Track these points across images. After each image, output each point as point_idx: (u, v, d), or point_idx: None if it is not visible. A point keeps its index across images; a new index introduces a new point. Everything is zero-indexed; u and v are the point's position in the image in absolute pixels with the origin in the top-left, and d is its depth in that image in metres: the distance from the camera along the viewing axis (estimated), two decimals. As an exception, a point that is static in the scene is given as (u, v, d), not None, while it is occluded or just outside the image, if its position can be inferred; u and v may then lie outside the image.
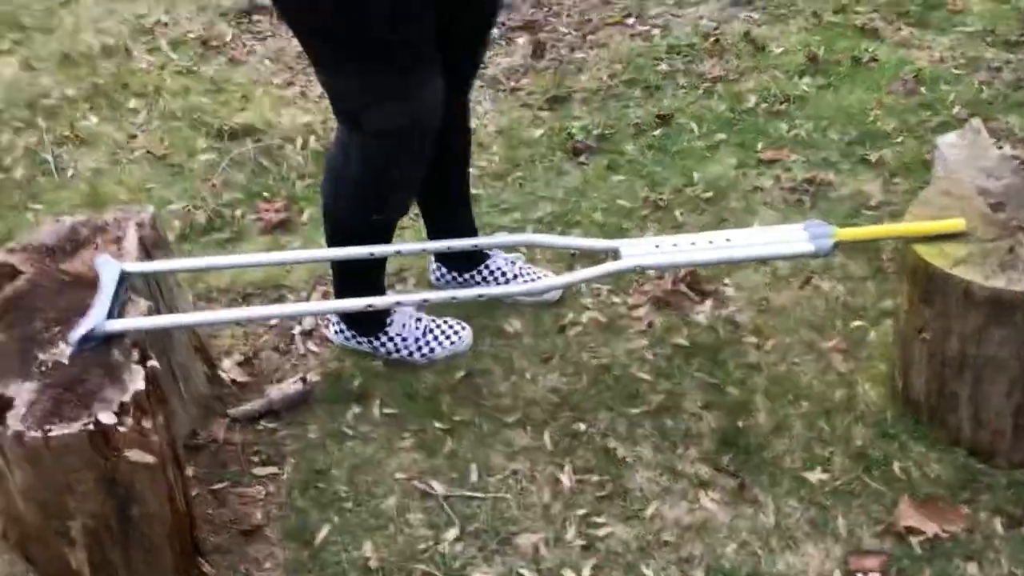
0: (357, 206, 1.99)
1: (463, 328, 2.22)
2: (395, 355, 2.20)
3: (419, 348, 2.19)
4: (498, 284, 2.34)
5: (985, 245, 1.80)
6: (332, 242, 2.08)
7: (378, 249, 1.95)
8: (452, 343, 2.20)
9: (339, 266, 2.14)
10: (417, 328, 2.19)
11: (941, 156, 2.08)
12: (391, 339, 2.19)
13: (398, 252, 2.00)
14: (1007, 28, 3.33)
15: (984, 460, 1.91)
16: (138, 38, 3.65)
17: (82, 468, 1.57)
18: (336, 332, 2.25)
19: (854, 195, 2.66)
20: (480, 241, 2.18)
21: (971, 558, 1.75)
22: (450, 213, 2.28)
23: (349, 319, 2.22)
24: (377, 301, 1.85)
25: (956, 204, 1.91)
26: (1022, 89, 3.01)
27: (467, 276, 2.35)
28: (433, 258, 2.41)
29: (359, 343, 2.23)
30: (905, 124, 2.91)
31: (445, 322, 2.22)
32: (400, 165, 1.91)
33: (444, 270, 2.39)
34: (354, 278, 2.10)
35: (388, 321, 2.19)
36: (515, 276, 2.35)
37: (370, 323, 2.19)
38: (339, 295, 2.15)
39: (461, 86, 2.09)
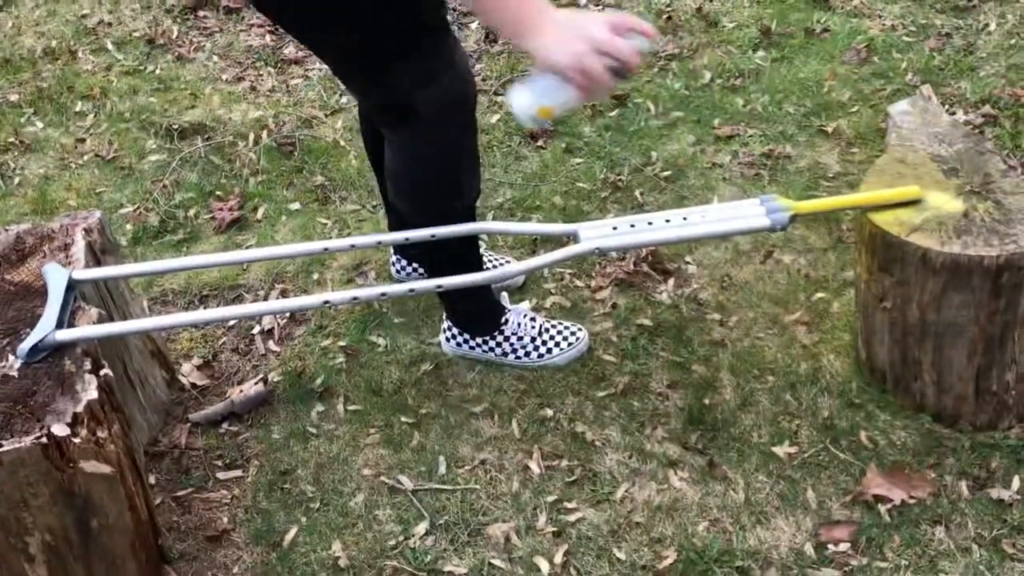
0: (441, 202, 1.90)
1: (580, 329, 2.15)
2: (510, 356, 2.13)
3: (536, 349, 2.11)
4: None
5: (940, 211, 1.80)
6: (437, 261, 2.00)
7: (333, 244, 1.91)
8: (570, 344, 2.12)
9: (432, 258, 2.05)
10: (532, 327, 2.12)
11: (894, 124, 2.08)
12: (507, 338, 2.12)
13: (352, 246, 1.96)
14: (956, -6, 3.34)
15: (948, 425, 1.92)
16: (81, 39, 3.57)
17: (37, 482, 1.53)
18: (447, 339, 2.17)
19: (812, 167, 2.66)
20: (439, 231, 2.15)
21: (938, 522, 1.76)
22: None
23: (461, 322, 2.13)
24: (334, 297, 1.82)
25: (910, 171, 1.91)
26: (972, 54, 3.03)
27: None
28: (392, 251, 2.38)
29: (472, 348, 2.14)
30: (859, 93, 2.92)
31: (561, 323, 2.16)
32: (468, 135, 1.86)
33: (404, 263, 2.36)
34: (451, 264, 1.99)
35: (503, 320, 2.12)
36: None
37: (485, 324, 2.12)
38: (443, 295, 2.08)
39: None
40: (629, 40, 1.46)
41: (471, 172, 1.93)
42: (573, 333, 2.15)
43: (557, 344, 2.13)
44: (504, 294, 2.24)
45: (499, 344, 2.13)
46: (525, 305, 2.23)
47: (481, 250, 2.33)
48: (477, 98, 1.87)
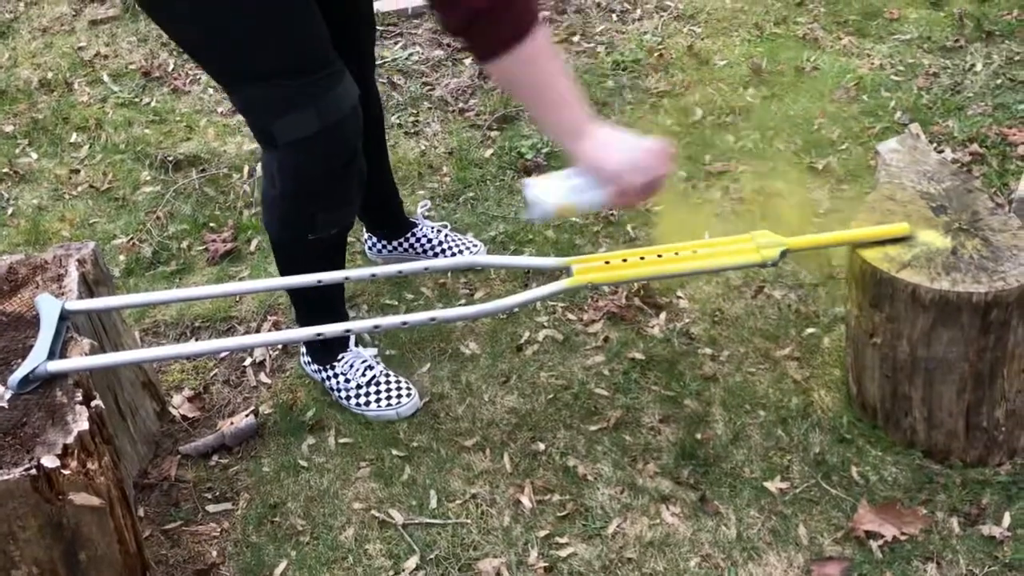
0: (291, 228, 1.94)
1: (409, 396, 2.12)
2: (334, 393, 2.16)
3: (356, 396, 2.12)
4: (424, 253, 2.48)
5: (929, 248, 1.82)
6: (283, 272, 2.04)
7: (326, 276, 1.92)
8: (390, 405, 2.11)
9: (294, 295, 2.11)
10: (364, 376, 2.13)
11: (883, 162, 2.10)
12: (336, 375, 2.15)
13: (346, 278, 1.97)
14: (942, 35, 3.40)
15: (939, 460, 1.93)
16: (77, 71, 3.59)
17: (25, 514, 1.52)
18: (302, 354, 2.23)
19: (802, 203, 2.69)
20: (432, 264, 2.15)
21: (930, 559, 1.76)
22: (373, 185, 2.19)
23: (309, 347, 2.19)
24: (327, 329, 1.82)
25: (900, 208, 1.93)
26: (960, 94, 3.07)
27: (396, 244, 2.48)
28: (365, 228, 2.52)
29: (315, 372, 2.20)
30: (849, 131, 2.96)
31: (397, 382, 2.14)
32: (320, 177, 1.84)
33: (374, 239, 2.50)
34: (310, 306, 2.08)
35: (338, 356, 2.15)
36: (440, 243, 2.48)
37: (321, 352, 2.16)
38: (301, 324, 2.12)
39: (367, 62, 2.17)
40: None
41: (330, 208, 1.92)
42: (399, 398, 2.12)
43: (378, 401, 2.11)
44: (352, 337, 2.20)
45: (329, 378, 2.15)
46: (370, 351, 2.20)
47: (445, 232, 2.51)
48: (358, 136, 1.84)
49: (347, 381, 2.13)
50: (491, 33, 1.49)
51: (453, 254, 2.49)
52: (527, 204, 1.64)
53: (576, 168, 1.62)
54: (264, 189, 1.94)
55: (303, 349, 2.22)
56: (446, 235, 2.50)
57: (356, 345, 2.19)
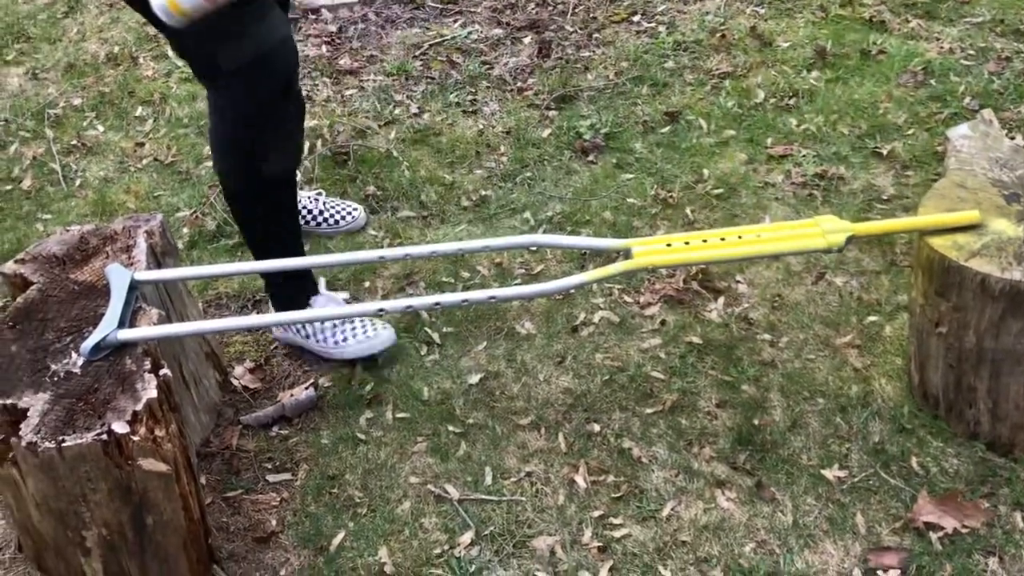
0: (243, 163, 2.01)
1: (385, 328, 2.20)
2: (310, 339, 2.21)
3: (333, 336, 2.19)
4: (308, 224, 2.54)
5: (1001, 236, 1.78)
6: (233, 210, 2.12)
7: (388, 253, 1.94)
8: (368, 337, 2.18)
9: (253, 241, 2.15)
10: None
11: (953, 148, 2.06)
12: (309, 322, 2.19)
13: (381, 258, 1.97)
14: (1016, 18, 3.30)
15: (1003, 454, 1.89)
16: (143, 46, 3.65)
17: (96, 478, 1.56)
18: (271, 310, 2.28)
19: (866, 189, 2.64)
20: (492, 242, 2.16)
21: (992, 553, 1.73)
22: None
23: (277, 299, 2.22)
24: (388, 305, 1.83)
25: (970, 196, 1.89)
26: (1033, 79, 2.99)
27: None
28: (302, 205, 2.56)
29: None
30: (915, 116, 2.89)
31: (372, 320, 2.22)
32: (264, 103, 1.95)
33: (305, 212, 2.58)
34: (266, 246, 2.12)
35: (310, 303, 2.19)
36: (321, 212, 2.55)
37: (295, 300, 2.18)
38: (257, 258, 2.16)
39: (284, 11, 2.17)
40: None
41: (278, 138, 2.02)
42: (376, 329, 2.19)
43: (355, 335, 2.18)
44: (322, 279, 2.31)
45: (304, 326, 2.20)
46: (342, 295, 2.29)
47: (323, 198, 2.57)
48: (292, 66, 1.99)
49: (321, 324, 2.19)
50: None
51: (336, 220, 2.58)
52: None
53: None
54: (212, 129, 2.02)
55: (271, 303, 2.25)
56: (324, 202, 2.59)
57: (327, 289, 2.27)
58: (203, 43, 1.88)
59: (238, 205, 2.10)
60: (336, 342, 2.18)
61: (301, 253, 2.18)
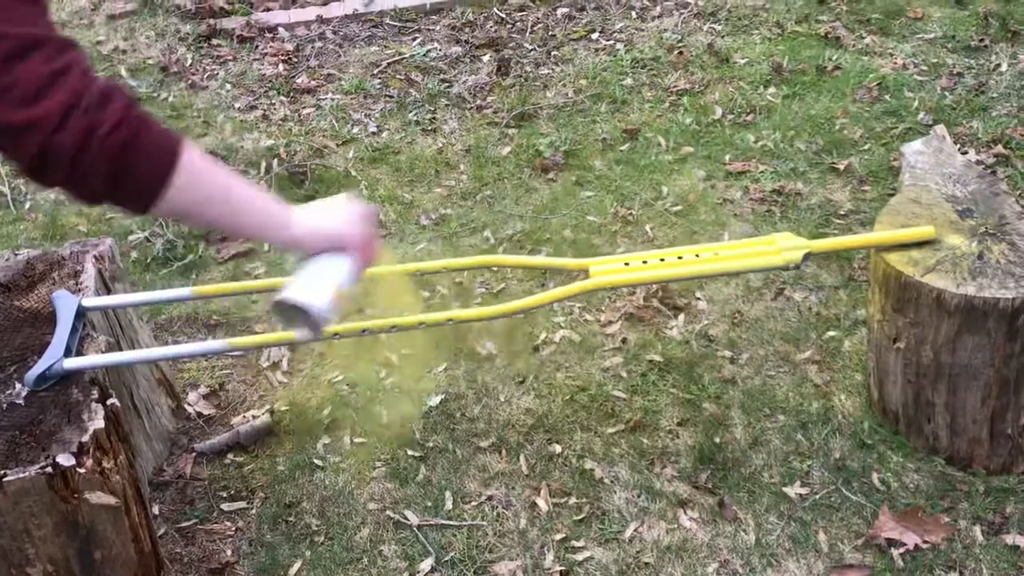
0: None
1: None
2: None
3: None
4: None
5: (955, 252, 1.79)
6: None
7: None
8: None
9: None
10: None
11: (908, 164, 2.07)
12: None
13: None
14: (966, 34, 3.36)
15: (962, 468, 1.90)
16: (96, 65, 3.59)
17: (40, 512, 1.51)
18: None
19: (823, 204, 2.66)
20: (451, 263, 2.14)
21: (952, 568, 1.73)
22: None
23: None
24: (343, 329, 1.80)
25: (924, 212, 1.90)
26: (984, 94, 3.03)
27: None
28: None
29: None
30: (871, 131, 2.92)
31: None
32: None
33: None
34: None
35: None
36: None
37: None
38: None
39: None
40: None
41: None
42: None
43: None
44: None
45: None
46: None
47: None
48: None
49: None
50: (140, 168, 1.08)
51: None
52: (293, 321, 1.24)
53: (306, 257, 1.28)
54: None
55: None
56: None
57: None
58: None
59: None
60: None
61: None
